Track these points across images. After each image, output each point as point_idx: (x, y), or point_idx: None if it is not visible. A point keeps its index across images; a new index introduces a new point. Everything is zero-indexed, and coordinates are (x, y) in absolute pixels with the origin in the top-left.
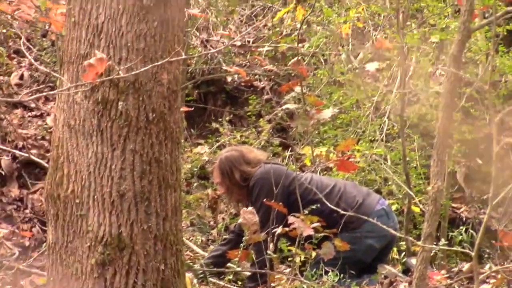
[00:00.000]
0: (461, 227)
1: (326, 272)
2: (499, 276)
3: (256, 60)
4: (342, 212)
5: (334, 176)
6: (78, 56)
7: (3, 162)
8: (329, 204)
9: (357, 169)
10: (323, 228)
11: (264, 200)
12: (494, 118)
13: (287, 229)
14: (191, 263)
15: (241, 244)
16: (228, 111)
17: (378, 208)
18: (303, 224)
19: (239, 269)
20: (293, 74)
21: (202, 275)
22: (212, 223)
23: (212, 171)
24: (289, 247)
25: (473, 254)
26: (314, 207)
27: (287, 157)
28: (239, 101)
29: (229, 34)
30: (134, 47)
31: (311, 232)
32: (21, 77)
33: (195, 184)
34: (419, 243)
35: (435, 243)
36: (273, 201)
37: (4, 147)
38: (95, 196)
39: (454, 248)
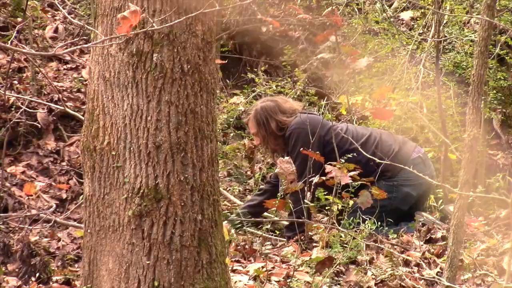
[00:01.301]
0: (498, 174)
1: (364, 221)
2: None
3: (291, 9)
4: (378, 161)
5: (370, 125)
6: (112, 8)
7: (39, 115)
8: (365, 153)
9: (393, 117)
10: (360, 177)
11: (301, 149)
12: None
13: (324, 178)
14: (228, 213)
15: (278, 194)
16: (263, 61)
17: (414, 156)
18: (341, 173)
19: (276, 218)
20: (328, 24)
21: (239, 225)
22: (249, 173)
23: (247, 122)
24: (326, 196)
25: (510, 200)
26: (350, 155)
27: (323, 106)
28: (274, 51)
29: None
30: None
31: (349, 180)
32: (56, 30)
33: (231, 134)
34: (456, 190)
35: (472, 190)
36: (309, 150)
37: (40, 100)
38: (131, 148)
39: (491, 195)
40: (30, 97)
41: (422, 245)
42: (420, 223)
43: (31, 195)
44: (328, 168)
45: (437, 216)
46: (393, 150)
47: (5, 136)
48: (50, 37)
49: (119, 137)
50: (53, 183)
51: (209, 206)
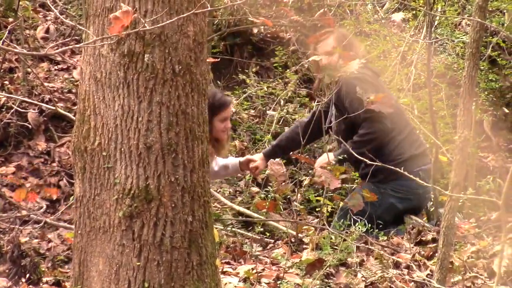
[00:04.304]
0: (488, 176)
1: (354, 222)
2: None
3: (282, 11)
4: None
5: None
6: (104, 9)
7: (30, 116)
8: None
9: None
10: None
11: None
12: None
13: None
14: (220, 214)
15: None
16: (254, 62)
17: (416, 169)
18: (331, 176)
19: (268, 219)
20: (319, 25)
21: (230, 225)
22: (239, 174)
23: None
24: (317, 197)
25: (500, 203)
26: None
27: (314, 107)
28: (266, 52)
29: None
30: None
31: (338, 185)
32: (47, 31)
33: None
34: (447, 192)
35: (462, 192)
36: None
37: (31, 101)
38: (122, 149)
39: (482, 197)
40: (21, 98)
41: (412, 247)
42: (410, 226)
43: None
44: (318, 171)
45: (425, 220)
46: (407, 155)
47: None
48: (42, 38)
49: (110, 137)
50: (43, 184)
51: (199, 207)
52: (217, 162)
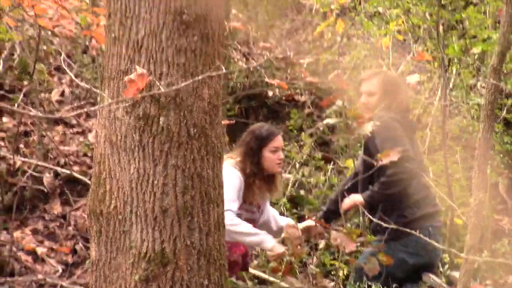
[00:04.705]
0: (504, 239)
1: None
2: None
3: (297, 73)
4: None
5: None
6: (119, 72)
7: (45, 179)
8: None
9: None
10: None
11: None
12: None
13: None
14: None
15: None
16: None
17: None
18: (346, 239)
19: (283, 284)
20: (334, 88)
21: None
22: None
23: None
24: (332, 261)
25: None
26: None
27: (329, 170)
28: (280, 115)
29: (270, 46)
30: (175, 62)
31: (354, 248)
32: (62, 94)
33: None
34: (462, 255)
35: (478, 255)
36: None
37: (46, 164)
38: (138, 212)
39: (497, 260)
40: (37, 161)
41: None
42: (427, 286)
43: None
44: (333, 233)
45: (444, 281)
46: (422, 212)
47: (13, 200)
48: (57, 101)
49: (125, 201)
50: (59, 248)
51: (215, 271)
52: (276, 220)
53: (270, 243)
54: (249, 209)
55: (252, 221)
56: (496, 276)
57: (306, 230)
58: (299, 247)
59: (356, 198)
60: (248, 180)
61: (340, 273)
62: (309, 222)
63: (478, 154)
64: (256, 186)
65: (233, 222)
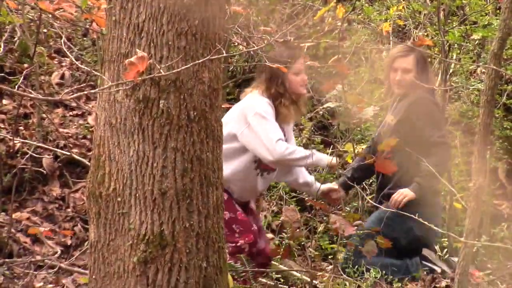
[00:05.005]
0: (503, 224)
1: (368, 269)
2: None
3: None
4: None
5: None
6: (119, 55)
7: (44, 161)
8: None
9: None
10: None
11: None
12: None
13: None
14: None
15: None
16: None
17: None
18: (345, 222)
19: (283, 267)
20: (334, 72)
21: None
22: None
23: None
24: (331, 245)
25: None
26: None
27: (329, 154)
28: None
29: (271, 30)
30: (175, 45)
31: (353, 232)
32: (62, 77)
33: None
34: (462, 239)
35: (477, 239)
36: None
37: (46, 146)
38: (137, 194)
39: (496, 244)
40: (36, 143)
41: None
42: (425, 272)
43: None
44: (332, 217)
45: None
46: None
47: (13, 182)
48: (57, 83)
49: (125, 183)
50: (58, 229)
51: (214, 253)
52: (302, 173)
53: (326, 159)
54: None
55: None
56: (494, 260)
57: (326, 193)
58: (297, 230)
59: (406, 193)
60: (275, 102)
61: (339, 257)
62: (331, 185)
63: (478, 139)
64: (283, 106)
65: (289, 151)
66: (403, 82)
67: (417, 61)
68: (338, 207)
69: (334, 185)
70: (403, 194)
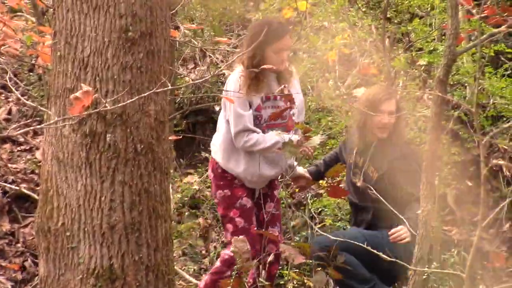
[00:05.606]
0: (453, 250)
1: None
2: None
3: None
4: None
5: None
6: (65, 89)
7: None
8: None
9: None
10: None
11: None
12: (482, 140)
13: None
14: None
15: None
16: None
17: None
18: (295, 251)
19: None
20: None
21: None
22: (204, 252)
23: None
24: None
25: (465, 276)
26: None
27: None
28: None
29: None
30: (121, 79)
31: (302, 260)
32: (9, 112)
33: (186, 214)
34: (411, 267)
35: (427, 266)
36: None
37: None
38: (86, 229)
39: (446, 271)
40: None
41: None
42: None
43: None
44: (282, 246)
45: None
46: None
47: None
48: (4, 119)
49: (73, 217)
50: (8, 265)
51: (164, 285)
52: None
53: (286, 138)
54: (274, 104)
55: (283, 118)
56: (445, 287)
57: (296, 178)
58: (247, 261)
59: (408, 235)
60: (253, 72)
61: (290, 286)
62: (302, 170)
63: (426, 165)
64: (263, 76)
65: (250, 144)
66: (388, 125)
67: (399, 103)
68: (287, 237)
69: (305, 172)
70: (406, 235)
